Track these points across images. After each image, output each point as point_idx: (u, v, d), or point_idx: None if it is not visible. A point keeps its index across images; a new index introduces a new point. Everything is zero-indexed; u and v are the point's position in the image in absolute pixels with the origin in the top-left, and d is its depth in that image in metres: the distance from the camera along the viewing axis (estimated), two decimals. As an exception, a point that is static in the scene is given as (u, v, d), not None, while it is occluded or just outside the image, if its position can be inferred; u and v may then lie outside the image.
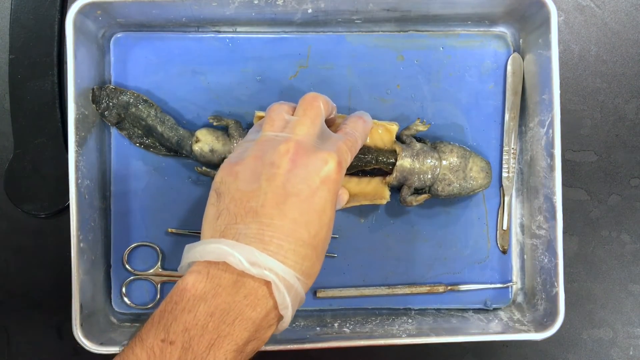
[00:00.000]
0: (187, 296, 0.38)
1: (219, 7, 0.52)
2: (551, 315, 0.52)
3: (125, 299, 0.55)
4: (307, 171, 0.41)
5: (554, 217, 0.52)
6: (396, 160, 0.52)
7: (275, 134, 0.43)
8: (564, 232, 0.52)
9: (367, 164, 0.51)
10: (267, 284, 0.39)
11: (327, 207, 0.41)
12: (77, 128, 0.50)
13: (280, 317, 0.40)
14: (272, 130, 0.44)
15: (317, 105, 0.45)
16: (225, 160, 0.44)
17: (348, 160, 0.44)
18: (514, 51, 0.57)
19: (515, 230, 0.57)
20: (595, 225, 0.59)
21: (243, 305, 0.38)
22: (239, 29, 0.56)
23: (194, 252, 0.40)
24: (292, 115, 0.45)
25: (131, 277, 0.55)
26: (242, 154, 0.43)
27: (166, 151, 0.55)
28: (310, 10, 0.53)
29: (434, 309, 0.57)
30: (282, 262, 0.39)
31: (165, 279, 0.55)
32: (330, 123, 0.50)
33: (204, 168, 0.54)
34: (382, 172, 0.52)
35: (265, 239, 0.39)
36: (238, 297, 0.38)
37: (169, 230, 0.55)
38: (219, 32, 0.56)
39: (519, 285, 0.57)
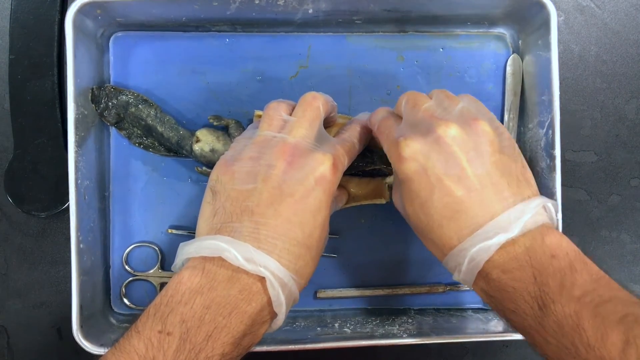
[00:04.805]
0: (182, 289, 0.38)
1: (219, 6, 0.52)
2: (551, 315, 0.52)
3: (125, 300, 0.55)
4: (303, 172, 0.41)
5: (554, 217, 0.51)
6: (396, 160, 0.52)
7: (273, 134, 0.43)
8: (564, 232, 0.52)
9: (367, 164, 0.51)
10: (262, 280, 0.39)
11: (322, 208, 0.41)
12: (76, 128, 0.50)
13: (274, 315, 0.40)
14: (270, 130, 0.44)
15: (317, 106, 0.44)
16: (221, 157, 0.44)
17: (345, 163, 0.44)
18: (513, 52, 0.57)
19: (515, 230, 0.57)
20: (595, 225, 0.59)
21: (238, 300, 0.38)
22: (239, 29, 0.56)
23: (189, 249, 0.40)
24: (291, 114, 0.45)
25: (130, 278, 0.55)
26: (239, 153, 0.43)
27: (165, 151, 0.54)
28: (310, 11, 0.53)
29: (434, 309, 0.57)
30: (276, 260, 0.39)
31: (165, 279, 0.55)
32: (331, 122, 0.50)
33: (204, 168, 0.54)
34: (382, 172, 0.52)
35: (260, 238, 0.39)
36: (233, 292, 0.38)
37: (169, 230, 0.55)
38: (219, 31, 0.56)
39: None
